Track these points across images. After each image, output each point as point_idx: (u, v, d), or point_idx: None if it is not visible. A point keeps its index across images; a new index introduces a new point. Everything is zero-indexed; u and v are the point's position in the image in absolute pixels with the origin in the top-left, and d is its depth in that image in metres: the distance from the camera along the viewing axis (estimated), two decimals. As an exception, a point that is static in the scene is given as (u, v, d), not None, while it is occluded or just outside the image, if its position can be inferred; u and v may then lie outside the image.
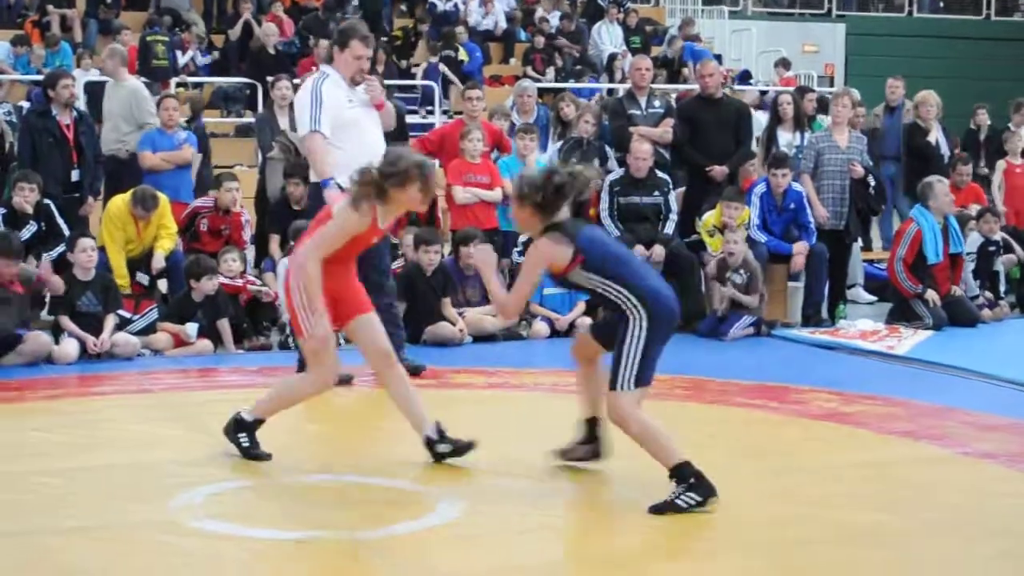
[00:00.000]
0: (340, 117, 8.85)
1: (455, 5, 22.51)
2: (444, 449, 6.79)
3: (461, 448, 6.78)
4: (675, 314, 6.27)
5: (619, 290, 6.11)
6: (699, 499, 5.97)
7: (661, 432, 6.12)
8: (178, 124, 12.64)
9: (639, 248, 11.80)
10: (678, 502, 5.96)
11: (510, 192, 12.01)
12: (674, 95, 16.90)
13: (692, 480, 6.00)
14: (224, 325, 10.46)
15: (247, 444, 6.80)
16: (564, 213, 6.20)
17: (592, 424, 6.70)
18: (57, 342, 9.97)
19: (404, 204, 6.66)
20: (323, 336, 6.56)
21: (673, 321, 6.28)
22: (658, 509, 5.96)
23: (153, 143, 12.32)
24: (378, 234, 6.73)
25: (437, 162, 12.88)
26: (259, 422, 6.84)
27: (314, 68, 16.52)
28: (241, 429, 6.82)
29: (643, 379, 6.12)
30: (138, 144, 12.36)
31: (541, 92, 16.81)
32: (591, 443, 6.71)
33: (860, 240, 13.71)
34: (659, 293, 6.20)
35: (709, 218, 12.05)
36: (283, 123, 12.96)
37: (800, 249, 11.94)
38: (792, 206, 12.09)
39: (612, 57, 20.67)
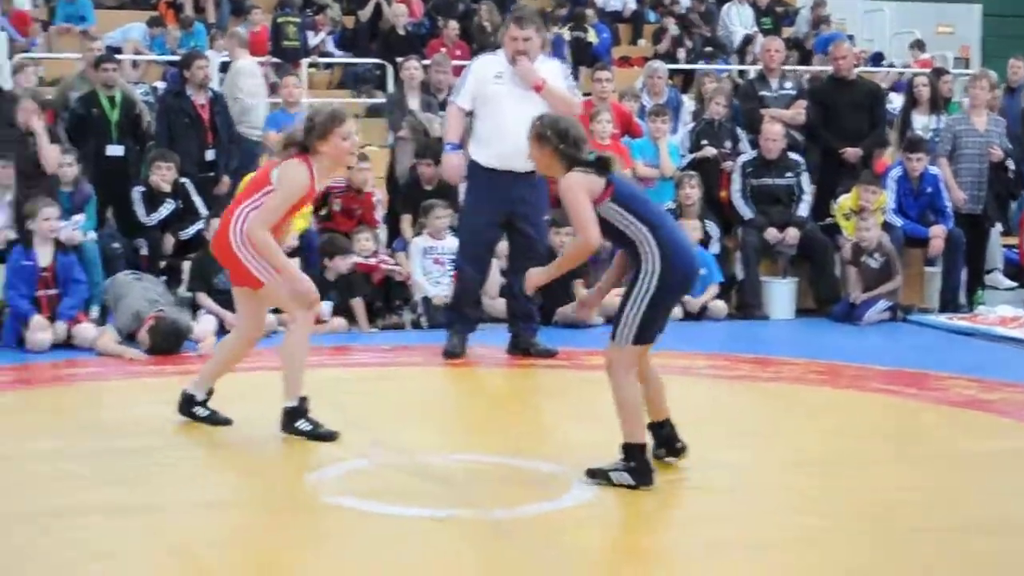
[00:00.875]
0: (482, 91, 9.12)
1: (584, -14, 22.44)
2: (201, 412, 7.10)
3: (218, 420, 7.06)
4: (692, 271, 6.11)
5: (644, 232, 5.88)
6: (631, 484, 5.89)
7: (639, 407, 5.98)
8: (299, 103, 12.80)
9: (772, 231, 11.70)
10: (611, 475, 5.92)
11: (641, 172, 12.07)
12: (806, 76, 16.69)
13: (635, 464, 5.91)
14: (358, 304, 10.54)
15: (309, 427, 6.74)
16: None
17: (659, 427, 6.34)
18: (194, 318, 10.10)
19: (333, 157, 6.70)
20: (308, 286, 6.80)
21: (688, 279, 6.12)
22: (592, 473, 5.97)
23: (277, 123, 12.44)
24: (311, 196, 6.82)
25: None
26: (304, 400, 6.80)
27: (442, 49, 16.68)
28: (297, 416, 6.76)
29: (645, 336, 5.92)
30: (264, 124, 12.50)
31: (671, 73, 16.68)
32: (664, 446, 6.36)
33: (999, 225, 13.45)
34: (680, 245, 6.00)
35: (845, 201, 11.90)
36: (413, 103, 13.02)
37: (937, 233, 11.76)
38: (929, 190, 11.93)
39: (747, 40, 20.45)
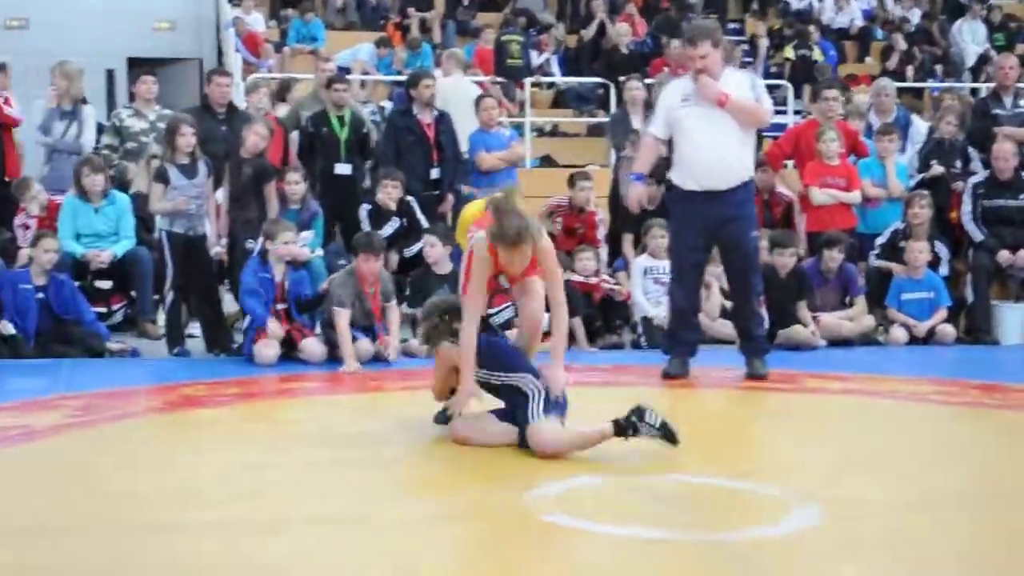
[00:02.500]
0: (673, 117, 9.10)
1: (809, 3, 22.18)
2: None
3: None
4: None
5: None
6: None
7: (576, 433, 6.54)
8: (499, 123, 12.88)
9: (1004, 253, 11.39)
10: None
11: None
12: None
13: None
14: (577, 323, 10.55)
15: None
16: None
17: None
18: (414, 335, 10.22)
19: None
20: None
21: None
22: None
23: (486, 144, 12.50)
24: (513, 279, 6.94)
25: (791, 163, 12.78)
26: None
27: (665, 69, 16.64)
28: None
29: (552, 407, 6.49)
30: (470, 147, 12.58)
31: (900, 92, 16.36)
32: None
33: None
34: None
35: (1081, 221, 11.53)
36: (636, 123, 13.02)
37: None
38: None
39: (984, 59, 19.94)
